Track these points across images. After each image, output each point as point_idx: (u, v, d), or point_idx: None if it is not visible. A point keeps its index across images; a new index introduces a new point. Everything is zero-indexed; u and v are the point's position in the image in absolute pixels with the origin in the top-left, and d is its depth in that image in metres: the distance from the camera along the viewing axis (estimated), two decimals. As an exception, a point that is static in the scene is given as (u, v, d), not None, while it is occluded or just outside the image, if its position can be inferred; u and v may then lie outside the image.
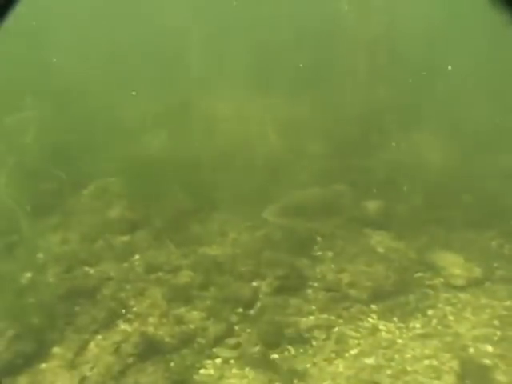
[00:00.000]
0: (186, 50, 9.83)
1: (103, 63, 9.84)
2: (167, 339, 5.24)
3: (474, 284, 6.10)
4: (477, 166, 7.50)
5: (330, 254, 6.75)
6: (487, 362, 4.94)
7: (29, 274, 5.76)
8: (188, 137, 7.99)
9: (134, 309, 5.66)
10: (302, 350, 5.21)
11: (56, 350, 4.97)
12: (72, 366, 4.71)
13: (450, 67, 8.35)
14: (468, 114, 8.23)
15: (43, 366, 4.80)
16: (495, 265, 6.40)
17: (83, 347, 4.96)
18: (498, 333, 5.30)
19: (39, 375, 4.65)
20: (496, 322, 5.45)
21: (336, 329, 5.50)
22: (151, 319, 5.48)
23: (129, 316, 5.56)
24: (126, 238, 6.78)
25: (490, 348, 5.09)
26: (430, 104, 8.47)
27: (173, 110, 8.85)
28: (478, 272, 6.25)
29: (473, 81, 8.81)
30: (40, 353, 4.88)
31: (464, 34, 9.46)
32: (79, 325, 5.24)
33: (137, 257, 6.56)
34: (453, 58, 8.97)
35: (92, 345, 4.99)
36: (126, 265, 6.41)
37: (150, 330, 5.29)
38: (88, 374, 4.62)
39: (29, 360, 4.78)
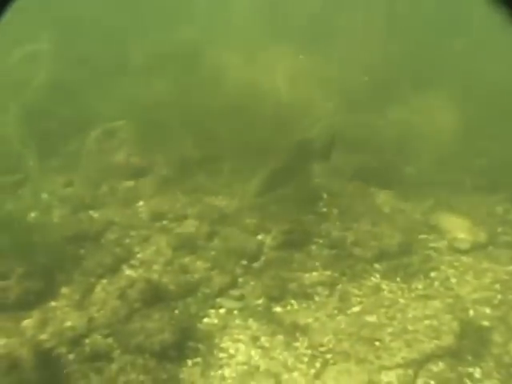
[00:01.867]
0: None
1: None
2: (172, 287, 5.27)
3: (477, 248, 6.13)
4: (490, 130, 7.35)
5: (335, 211, 6.70)
6: (486, 323, 5.04)
7: (34, 214, 5.70)
8: (196, 83, 7.71)
9: (139, 255, 5.66)
10: (304, 305, 5.27)
11: (64, 290, 5.00)
12: (80, 306, 4.76)
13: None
14: (485, 75, 7.97)
15: (53, 304, 4.85)
16: (499, 230, 6.42)
17: (90, 290, 4.98)
18: (499, 296, 5.38)
19: (50, 312, 4.70)
20: (497, 286, 5.52)
21: (339, 286, 5.55)
22: (156, 266, 5.50)
23: (133, 262, 5.57)
24: (130, 184, 6.68)
25: (489, 310, 5.18)
26: (447, 62, 8.17)
27: (181, 55, 8.50)
28: (482, 236, 6.26)
29: (487, 41, 8.46)
30: (49, 291, 4.91)
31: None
32: (85, 268, 5.25)
33: (141, 203, 6.49)
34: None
35: (98, 288, 5.02)
36: (130, 211, 6.35)
37: (155, 277, 5.31)
38: (95, 315, 4.67)
39: (39, 297, 4.82)
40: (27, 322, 4.57)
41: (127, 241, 5.82)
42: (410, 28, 8.76)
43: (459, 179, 7.03)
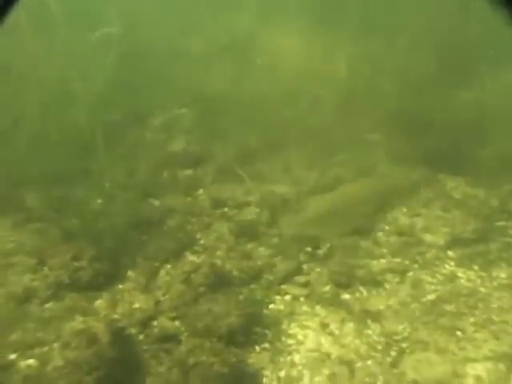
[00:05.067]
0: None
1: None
2: (235, 273, 5.14)
3: (563, 234, 5.59)
4: None
5: (400, 198, 6.36)
6: None
7: (100, 201, 5.76)
8: (253, 72, 7.62)
9: (201, 241, 5.58)
10: (374, 292, 4.99)
11: (130, 273, 5.00)
12: (146, 289, 4.73)
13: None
14: None
15: (120, 286, 4.86)
16: None
17: (154, 274, 4.95)
18: None
19: (118, 294, 4.71)
20: None
21: (410, 273, 5.22)
22: (219, 252, 5.39)
23: (196, 248, 5.49)
24: (190, 172, 6.65)
25: None
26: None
27: (237, 44, 8.43)
28: None
29: None
30: (116, 274, 4.93)
31: None
32: (149, 253, 5.22)
33: (201, 191, 6.44)
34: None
35: (162, 272, 4.97)
36: (190, 199, 6.31)
37: (218, 262, 5.20)
38: (162, 298, 4.61)
39: (108, 279, 4.84)
40: (99, 303, 4.61)
41: (189, 227, 5.77)
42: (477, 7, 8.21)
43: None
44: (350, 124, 6.91)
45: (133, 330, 4.26)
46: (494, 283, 4.95)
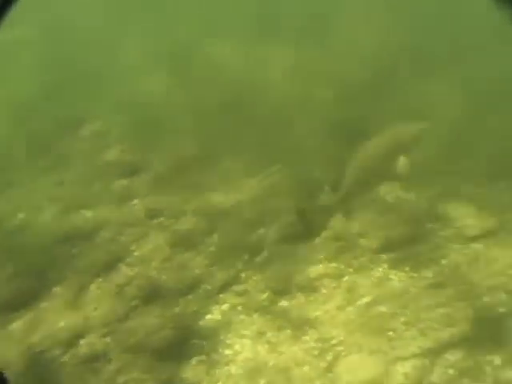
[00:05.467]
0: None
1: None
2: (171, 284, 5.02)
3: (487, 235, 5.89)
4: (494, 118, 7.17)
5: (338, 202, 6.48)
6: (502, 310, 4.80)
7: (24, 215, 5.44)
8: (191, 80, 7.54)
9: (136, 253, 5.40)
10: (312, 298, 5.02)
11: (57, 289, 4.74)
12: (74, 306, 4.50)
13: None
14: (488, 63, 7.79)
15: (45, 304, 4.58)
16: (508, 216, 6.20)
17: (84, 288, 4.73)
18: (512, 283, 5.16)
19: (42, 313, 4.43)
20: (510, 272, 5.29)
21: (346, 277, 5.31)
22: (154, 263, 5.24)
23: (130, 260, 5.30)
24: (124, 182, 6.44)
25: (504, 296, 4.94)
26: (448, 50, 8.00)
27: (175, 52, 8.31)
28: (490, 223, 6.04)
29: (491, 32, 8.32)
30: (41, 291, 4.65)
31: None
32: (79, 266, 4.99)
33: (136, 201, 6.24)
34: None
35: (93, 287, 4.76)
36: (125, 209, 6.10)
37: (153, 274, 5.05)
38: (91, 314, 4.40)
39: (30, 298, 4.55)
40: (16, 325, 4.30)
41: (123, 239, 5.57)
42: (408, 16, 8.60)
43: (463, 167, 6.82)
44: (286, 132, 6.98)
45: (56, 352, 4.02)
46: (423, 283, 5.13)
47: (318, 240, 5.87)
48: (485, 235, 5.89)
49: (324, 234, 5.97)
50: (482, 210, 6.21)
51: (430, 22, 8.31)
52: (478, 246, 5.73)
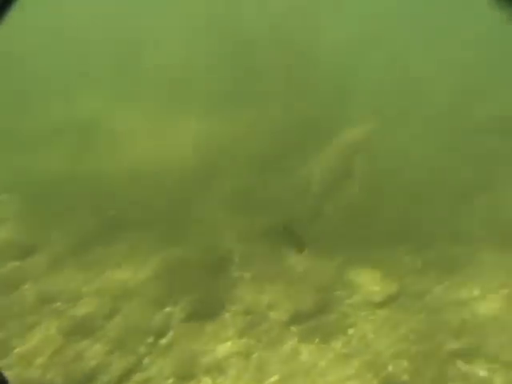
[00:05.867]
0: (94, 58, 9.17)
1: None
2: (60, 381, 4.49)
3: (390, 300, 6.06)
4: (387, 184, 7.66)
5: (248, 274, 6.42)
6: (405, 378, 4.84)
7: None
8: (95, 152, 7.34)
9: (17, 350, 4.81)
10: (219, 381, 4.75)
11: None
12: None
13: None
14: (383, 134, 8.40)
15: None
16: (408, 280, 6.46)
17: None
18: (414, 347, 5.26)
19: None
20: (412, 337, 5.41)
21: (255, 354, 5.12)
22: (40, 360, 4.68)
23: (8, 360, 4.69)
24: (16, 264, 5.90)
25: (406, 363, 5.01)
26: (345, 119, 8.55)
27: (79, 124, 8.13)
28: (393, 287, 6.25)
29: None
30: None
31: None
32: None
33: (28, 286, 5.71)
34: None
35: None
36: (14, 295, 5.54)
37: (36, 374, 4.49)
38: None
39: None
40: None
41: (3, 334, 4.96)
42: (313, 88, 9.17)
43: (366, 232, 7.12)
44: (193, 205, 6.93)
45: None
46: (331, 355, 5.08)
47: (227, 315, 5.68)
48: (388, 301, 6.06)
49: (234, 308, 5.80)
50: (385, 274, 6.44)
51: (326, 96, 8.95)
52: (382, 313, 5.85)
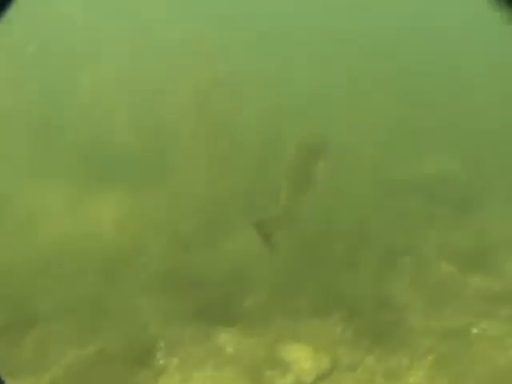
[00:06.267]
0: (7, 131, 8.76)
1: None
2: None
3: (323, 376, 5.92)
4: (313, 252, 7.70)
5: (175, 360, 6.04)
6: None
7: None
8: (3, 237, 6.83)
9: None
10: None
11: None
12: None
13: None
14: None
15: None
16: (340, 352, 6.36)
17: None
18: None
19: None
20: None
21: None
22: None
23: None
24: None
25: None
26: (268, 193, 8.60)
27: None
28: (326, 362, 6.11)
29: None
30: None
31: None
32: None
33: None
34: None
35: None
36: None
37: None
38: None
39: None
40: None
41: None
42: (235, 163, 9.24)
43: (296, 305, 7.02)
44: (117, 289, 6.56)
45: None
46: None
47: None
48: (322, 377, 5.90)
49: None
50: (317, 349, 6.30)
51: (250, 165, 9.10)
52: (315, 391, 5.67)
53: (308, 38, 12.43)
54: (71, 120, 9.28)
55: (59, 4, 12.55)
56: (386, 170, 9.62)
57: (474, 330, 6.47)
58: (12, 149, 8.44)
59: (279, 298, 7.05)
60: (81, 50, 10.82)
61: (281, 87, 11.09)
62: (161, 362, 6.00)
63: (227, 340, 6.49)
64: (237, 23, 12.70)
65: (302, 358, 6.14)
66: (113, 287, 6.58)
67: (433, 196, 9.14)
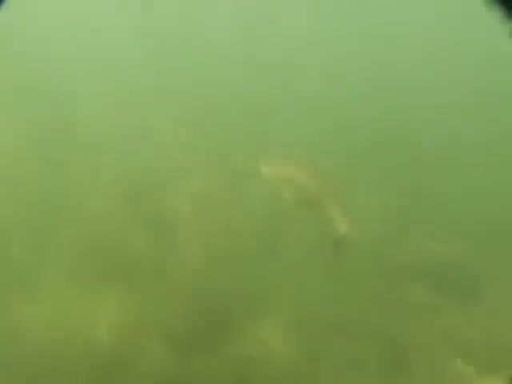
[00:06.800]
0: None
1: None
2: None
3: None
4: (321, 351, 7.31)
5: None
6: None
7: None
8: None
9: None
10: None
11: None
12: None
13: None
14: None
15: None
16: None
17: None
18: None
19: None
20: None
21: None
22: None
23: None
24: None
25: None
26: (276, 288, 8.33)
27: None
28: None
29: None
30: None
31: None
32: None
33: None
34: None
35: None
36: None
37: None
38: None
39: None
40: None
41: None
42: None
43: None
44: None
45: None
46: None
47: None
48: None
49: None
50: None
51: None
52: None
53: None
54: (68, 219, 9.15)
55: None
56: (386, 258, 9.46)
57: None
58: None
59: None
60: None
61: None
62: None
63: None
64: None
65: None
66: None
67: (436, 284, 8.93)
